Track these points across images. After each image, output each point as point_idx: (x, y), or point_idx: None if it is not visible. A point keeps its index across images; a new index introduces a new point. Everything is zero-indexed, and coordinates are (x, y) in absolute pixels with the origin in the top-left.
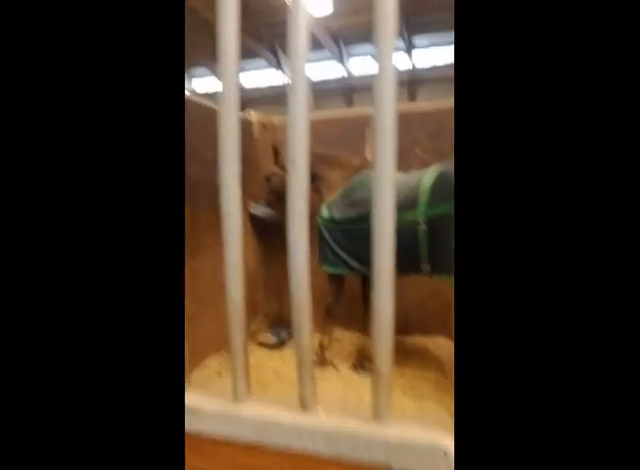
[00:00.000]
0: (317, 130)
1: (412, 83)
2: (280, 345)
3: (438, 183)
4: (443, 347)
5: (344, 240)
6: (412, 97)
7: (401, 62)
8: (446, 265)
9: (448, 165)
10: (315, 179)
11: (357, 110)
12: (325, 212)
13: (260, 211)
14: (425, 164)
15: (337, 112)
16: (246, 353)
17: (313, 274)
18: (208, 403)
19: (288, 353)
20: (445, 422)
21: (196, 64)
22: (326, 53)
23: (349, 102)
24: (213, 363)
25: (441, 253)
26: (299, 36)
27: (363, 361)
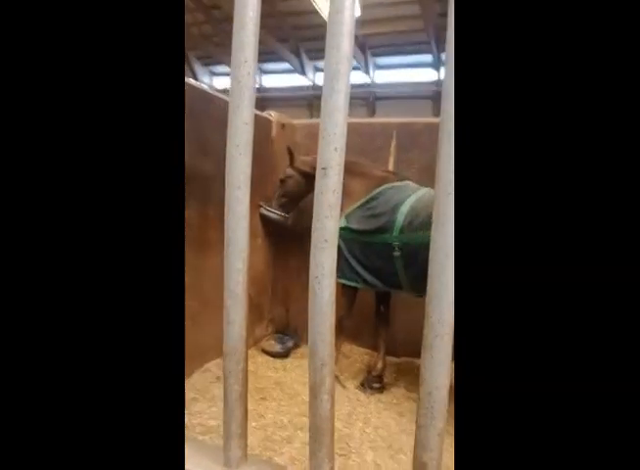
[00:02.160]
0: None
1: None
2: (284, 354)
3: None
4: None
5: (361, 252)
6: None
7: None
8: None
9: None
10: None
11: (383, 119)
12: (342, 221)
13: (272, 212)
14: None
15: (360, 119)
16: (245, 412)
17: None
18: (196, 466)
19: (292, 363)
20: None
21: (219, 61)
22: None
23: (372, 111)
24: (214, 368)
25: None
26: (343, 37)
27: (372, 381)
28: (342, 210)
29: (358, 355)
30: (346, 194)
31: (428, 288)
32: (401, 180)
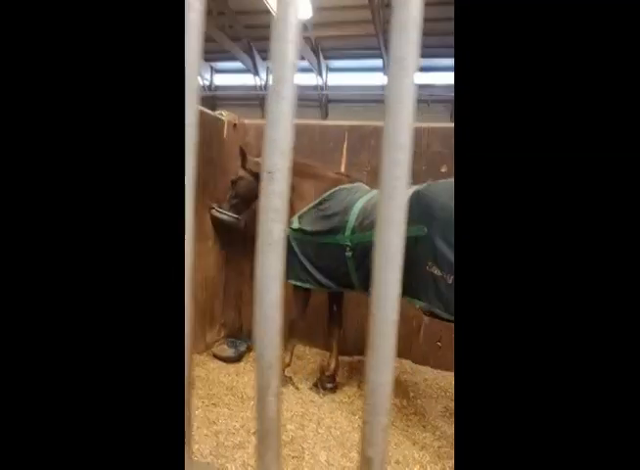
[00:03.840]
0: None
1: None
2: (237, 358)
3: (412, 203)
4: (409, 371)
5: (313, 253)
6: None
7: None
8: (412, 289)
9: (426, 185)
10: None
11: (335, 121)
12: (295, 223)
13: (224, 214)
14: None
15: (313, 121)
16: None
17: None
18: None
19: (244, 367)
20: (410, 454)
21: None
22: (303, 63)
23: (325, 113)
24: None
25: (411, 275)
26: (288, 38)
27: (325, 381)
28: (294, 211)
29: (312, 356)
30: (299, 196)
31: (373, 287)
32: (353, 182)
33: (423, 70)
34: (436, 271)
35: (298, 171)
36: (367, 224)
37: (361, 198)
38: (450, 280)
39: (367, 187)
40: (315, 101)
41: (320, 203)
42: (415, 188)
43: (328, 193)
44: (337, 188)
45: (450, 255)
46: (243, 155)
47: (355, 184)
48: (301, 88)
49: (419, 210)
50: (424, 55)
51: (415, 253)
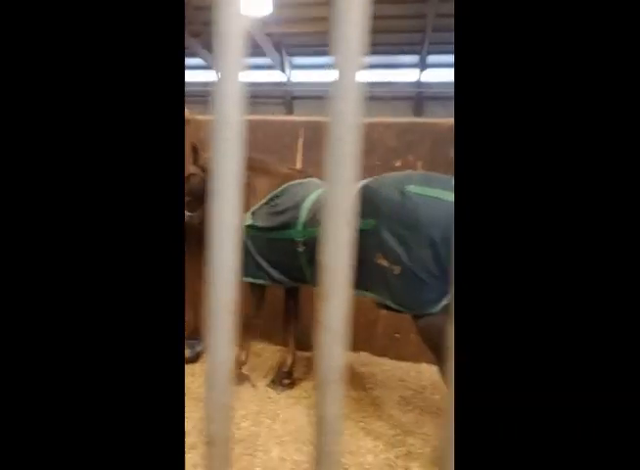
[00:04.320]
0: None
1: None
2: (193, 359)
3: (360, 197)
4: (367, 363)
5: (267, 249)
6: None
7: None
8: (363, 282)
9: (372, 179)
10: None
11: (291, 117)
12: (248, 219)
13: None
14: None
15: (267, 117)
16: None
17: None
18: None
19: (200, 367)
20: (364, 444)
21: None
22: (266, 59)
23: (289, 110)
24: None
25: (362, 268)
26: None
27: (282, 377)
28: (248, 207)
29: (271, 354)
30: (252, 192)
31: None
32: (305, 177)
33: (385, 67)
34: (384, 263)
35: (251, 167)
36: (318, 219)
37: (313, 193)
38: (397, 271)
39: (319, 182)
40: (279, 98)
41: (272, 198)
42: (364, 182)
43: (279, 189)
44: (288, 184)
45: (396, 246)
46: (195, 151)
47: (307, 179)
48: (264, 85)
49: (365, 203)
50: (386, 52)
51: (366, 245)
